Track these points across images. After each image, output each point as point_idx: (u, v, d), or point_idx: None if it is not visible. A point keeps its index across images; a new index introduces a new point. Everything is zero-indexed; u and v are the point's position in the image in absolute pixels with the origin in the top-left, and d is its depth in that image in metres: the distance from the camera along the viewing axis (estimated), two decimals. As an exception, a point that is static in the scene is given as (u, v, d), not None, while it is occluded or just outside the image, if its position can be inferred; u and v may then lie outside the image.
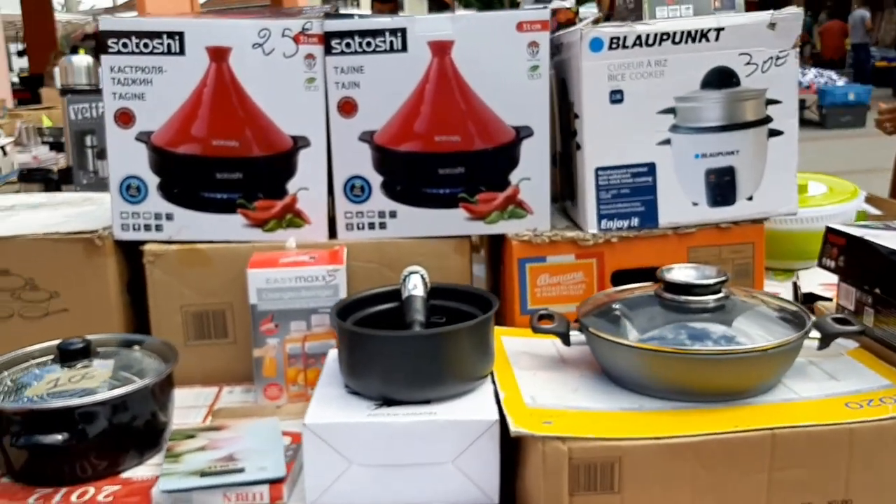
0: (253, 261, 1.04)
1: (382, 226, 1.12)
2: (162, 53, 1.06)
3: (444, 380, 0.85)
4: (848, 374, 0.88)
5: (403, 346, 0.85)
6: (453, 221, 1.11)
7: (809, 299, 1.21)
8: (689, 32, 1.02)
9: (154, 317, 1.13)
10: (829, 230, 1.04)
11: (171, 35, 1.06)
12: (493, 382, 0.88)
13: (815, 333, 0.89)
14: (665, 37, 1.02)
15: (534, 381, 0.89)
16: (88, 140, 1.89)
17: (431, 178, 1.10)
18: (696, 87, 1.04)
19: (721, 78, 1.03)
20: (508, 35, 1.05)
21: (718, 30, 1.02)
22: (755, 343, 0.83)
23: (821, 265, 1.06)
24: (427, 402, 0.84)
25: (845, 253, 1.00)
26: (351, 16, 1.10)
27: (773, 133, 1.06)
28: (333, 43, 1.06)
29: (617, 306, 0.93)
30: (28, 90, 7.71)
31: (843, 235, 1.01)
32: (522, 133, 1.09)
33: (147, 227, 1.12)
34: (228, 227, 1.12)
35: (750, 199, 1.08)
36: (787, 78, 1.04)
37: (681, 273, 0.91)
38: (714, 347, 0.83)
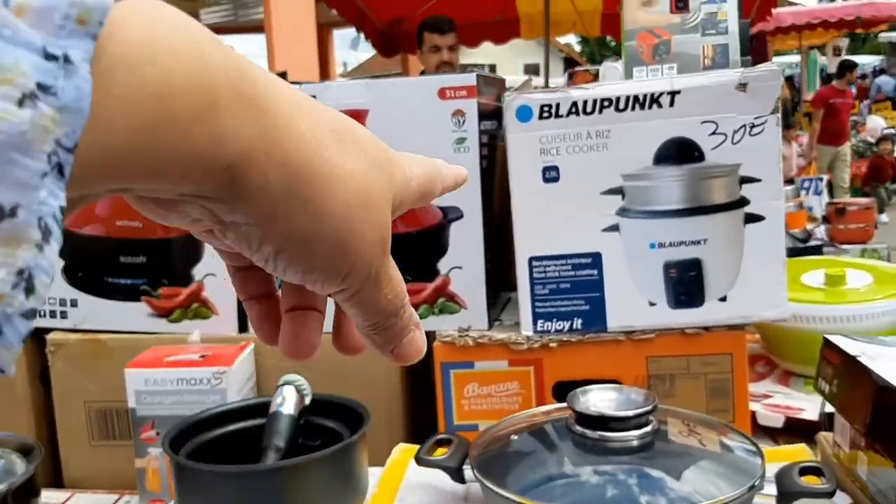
0: (137, 359, 0.92)
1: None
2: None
3: (281, 526, 0.69)
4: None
5: (229, 484, 0.69)
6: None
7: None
8: (636, 97, 0.82)
9: (59, 412, 1.03)
10: (826, 343, 0.82)
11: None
12: (356, 529, 0.72)
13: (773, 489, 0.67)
14: (606, 103, 0.83)
15: (407, 529, 0.72)
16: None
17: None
18: (648, 162, 0.84)
19: (679, 151, 0.83)
20: (430, 103, 0.90)
21: (673, 93, 0.82)
22: (687, 499, 0.63)
23: (817, 388, 0.83)
24: (262, 552, 0.68)
25: (840, 376, 0.77)
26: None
27: (752, 218, 0.84)
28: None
29: (517, 438, 0.74)
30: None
31: (839, 352, 0.78)
32: (450, 215, 0.92)
33: (52, 314, 1.03)
34: (132, 317, 1.01)
35: (723, 299, 0.85)
36: (766, 150, 0.83)
37: (597, 397, 0.72)
38: (611, 509, 0.63)
